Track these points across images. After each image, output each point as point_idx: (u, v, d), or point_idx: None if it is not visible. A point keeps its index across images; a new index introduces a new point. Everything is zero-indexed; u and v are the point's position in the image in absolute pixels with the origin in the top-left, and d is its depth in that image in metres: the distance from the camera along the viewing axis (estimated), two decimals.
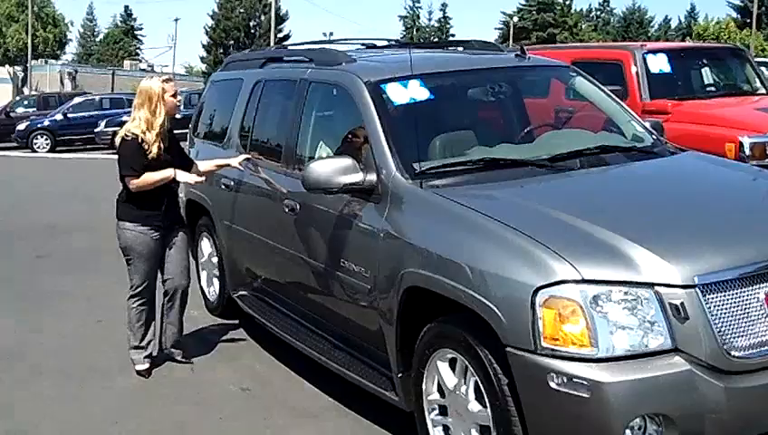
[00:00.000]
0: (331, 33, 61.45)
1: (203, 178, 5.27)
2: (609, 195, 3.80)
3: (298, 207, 4.73)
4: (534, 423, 3.14)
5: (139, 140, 4.90)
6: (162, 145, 4.95)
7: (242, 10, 63.88)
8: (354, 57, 4.83)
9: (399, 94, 4.37)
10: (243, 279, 5.82)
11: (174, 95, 5.03)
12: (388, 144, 4.09)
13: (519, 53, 5.06)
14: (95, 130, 24.01)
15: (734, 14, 64.52)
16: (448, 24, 76.74)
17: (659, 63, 7.90)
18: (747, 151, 6.65)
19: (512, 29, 66.46)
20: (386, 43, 6.47)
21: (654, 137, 4.72)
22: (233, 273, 5.91)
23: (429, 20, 77.21)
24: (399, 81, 4.43)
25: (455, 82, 4.72)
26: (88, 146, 24.46)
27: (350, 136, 4.69)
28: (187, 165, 5.25)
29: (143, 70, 65.05)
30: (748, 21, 62.19)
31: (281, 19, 61.26)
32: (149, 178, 4.91)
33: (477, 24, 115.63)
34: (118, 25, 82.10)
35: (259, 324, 5.47)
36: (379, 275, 3.93)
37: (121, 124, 20.03)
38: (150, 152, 4.90)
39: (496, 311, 3.16)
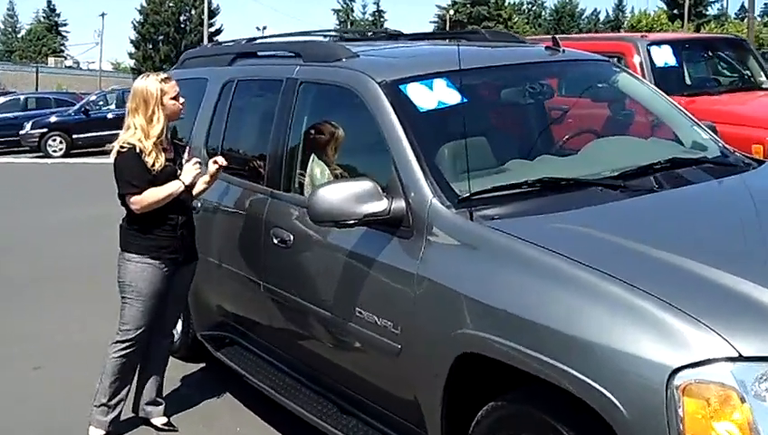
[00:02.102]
0: (265, 28, 60.27)
1: (217, 168, 4.19)
2: (719, 227, 2.95)
3: (291, 238, 3.81)
4: None
5: (137, 150, 3.97)
6: (163, 156, 4.03)
7: (171, 4, 62.08)
8: (355, 51, 3.92)
9: (424, 97, 3.47)
10: (212, 319, 4.86)
11: (176, 97, 4.07)
12: (419, 162, 3.19)
13: (552, 45, 4.20)
14: (20, 133, 22.40)
15: (663, 6, 65.64)
16: (383, 17, 76.04)
17: (664, 56, 7.15)
18: None
19: (448, 22, 66.01)
20: (369, 34, 5.59)
21: (720, 144, 3.94)
22: (199, 310, 4.94)
23: (364, 13, 76.39)
24: (421, 80, 3.54)
25: (487, 80, 3.85)
26: (13, 149, 22.86)
27: (312, 132, 3.95)
28: None
29: (69, 67, 62.70)
30: (675, 12, 63.29)
31: (212, 13, 59.60)
32: (155, 194, 3.98)
33: (412, 17, 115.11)
34: (41, 21, 79.11)
35: (234, 372, 4.50)
36: (415, 333, 3.03)
37: (48, 126, 18.90)
38: (153, 165, 3.98)
39: (612, 399, 2.29)
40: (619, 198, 3.11)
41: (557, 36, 4.69)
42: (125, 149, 3.98)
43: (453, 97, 3.51)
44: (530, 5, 79.40)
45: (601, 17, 77.63)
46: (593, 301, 2.44)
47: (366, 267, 3.29)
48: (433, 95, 3.49)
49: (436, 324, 2.90)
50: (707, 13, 67.96)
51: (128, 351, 4.12)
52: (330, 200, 3.15)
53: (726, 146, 3.95)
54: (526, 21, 73.78)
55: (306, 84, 4.01)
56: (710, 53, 8.20)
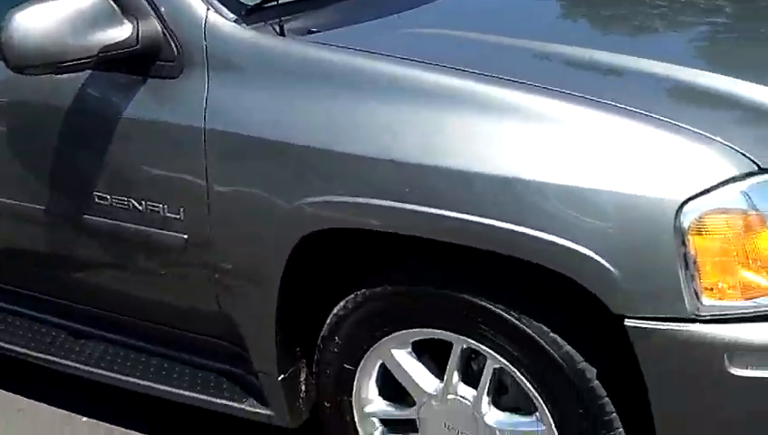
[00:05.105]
0: None
1: None
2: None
3: None
4: None
5: None
6: None
7: None
8: None
9: None
10: None
11: None
12: None
13: None
14: None
15: None
16: None
17: None
18: None
19: None
20: None
21: None
22: None
23: None
24: None
25: None
26: None
27: None
28: None
29: None
30: None
31: None
32: None
33: None
34: None
35: None
36: (214, 215, 2.06)
37: None
38: None
39: (596, 258, 1.60)
40: None
41: None
42: None
43: None
44: None
45: None
46: (531, 120, 1.69)
47: (105, 129, 2.17)
48: None
49: (256, 198, 1.97)
50: None
51: None
52: (37, 30, 1.95)
53: None
54: None
55: None
56: None
